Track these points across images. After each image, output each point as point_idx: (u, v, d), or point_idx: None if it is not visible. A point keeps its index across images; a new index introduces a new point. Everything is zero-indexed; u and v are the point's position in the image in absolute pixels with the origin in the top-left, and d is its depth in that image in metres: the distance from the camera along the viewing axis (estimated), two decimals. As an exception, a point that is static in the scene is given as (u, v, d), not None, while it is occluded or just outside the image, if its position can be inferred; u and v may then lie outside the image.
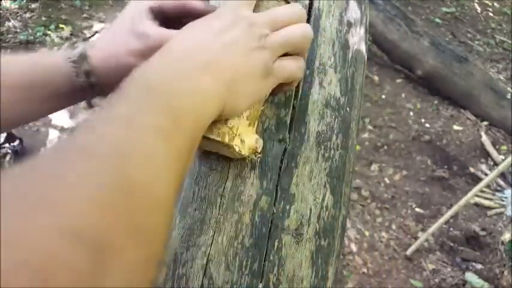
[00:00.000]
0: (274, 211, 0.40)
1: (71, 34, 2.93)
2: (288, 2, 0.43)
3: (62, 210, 0.19)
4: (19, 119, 0.46)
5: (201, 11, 0.44)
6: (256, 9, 0.40)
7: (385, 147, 2.65)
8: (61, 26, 2.96)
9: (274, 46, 0.37)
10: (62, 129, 2.33)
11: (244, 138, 0.39)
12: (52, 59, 0.43)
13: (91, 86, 0.43)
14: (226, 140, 0.37)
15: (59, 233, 0.18)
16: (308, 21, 0.50)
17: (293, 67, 0.39)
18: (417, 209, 2.31)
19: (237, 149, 0.38)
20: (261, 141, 0.41)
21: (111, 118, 0.26)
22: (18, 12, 2.98)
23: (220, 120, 0.37)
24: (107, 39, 0.44)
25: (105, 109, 0.28)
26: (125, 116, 0.26)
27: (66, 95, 0.44)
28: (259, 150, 0.41)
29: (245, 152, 0.39)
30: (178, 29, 0.42)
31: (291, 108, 0.44)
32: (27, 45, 2.75)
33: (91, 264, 0.18)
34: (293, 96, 0.45)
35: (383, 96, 3.04)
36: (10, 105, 0.42)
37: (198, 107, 0.32)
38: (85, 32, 2.97)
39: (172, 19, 0.45)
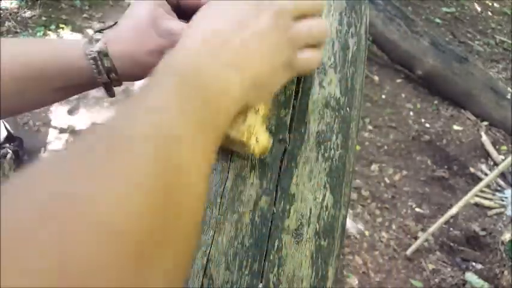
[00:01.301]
0: (274, 211, 0.40)
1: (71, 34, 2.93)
2: None
3: (101, 208, 0.17)
4: (30, 106, 0.45)
5: None
6: None
7: (385, 147, 2.65)
8: (61, 26, 2.96)
9: (299, 40, 0.36)
10: (61, 130, 2.33)
11: (259, 138, 0.39)
12: (71, 52, 0.42)
13: (110, 81, 0.43)
14: (245, 138, 0.37)
15: (98, 234, 0.16)
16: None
17: (314, 61, 0.39)
18: (417, 209, 2.31)
19: (252, 148, 0.38)
20: (271, 140, 0.41)
21: (151, 107, 0.25)
22: (18, 12, 2.98)
23: (238, 117, 0.37)
24: (126, 36, 0.42)
25: (139, 99, 0.27)
26: (164, 105, 0.26)
27: (82, 86, 0.44)
28: (268, 150, 0.41)
29: (258, 150, 0.39)
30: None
31: (291, 108, 0.44)
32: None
33: (132, 265, 0.17)
34: (293, 96, 0.45)
35: (383, 96, 3.04)
36: (21, 93, 0.42)
37: (226, 104, 0.31)
38: (86, 31, 2.97)
39: (184, 11, 0.44)
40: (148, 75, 0.44)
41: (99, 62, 0.41)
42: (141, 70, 0.42)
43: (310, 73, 0.42)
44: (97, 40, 0.42)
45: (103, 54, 0.41)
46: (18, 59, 0.41)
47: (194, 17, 0.35)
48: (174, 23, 0.41)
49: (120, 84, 0.44)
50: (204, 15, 0.35)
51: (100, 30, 0.43)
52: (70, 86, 0.43)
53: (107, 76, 0.42)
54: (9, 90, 0.40)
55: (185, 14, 0.43)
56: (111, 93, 0.45)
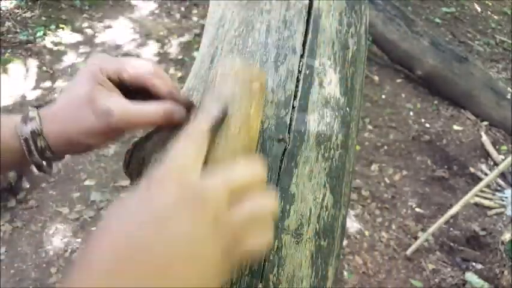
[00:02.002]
0: (274, 211, 0.40)
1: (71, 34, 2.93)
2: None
3: None
4: None
5: (163, 95, 0.40)
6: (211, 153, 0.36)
7: (385, 147, 2.65)
8: (61, 26, 2.96)
9: (237, 230, 0.30)
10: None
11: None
12: (4, 132, 0.40)
13: (47, 159, 0.41)
14: None
15: None
16: (308, 21, 0.50)
17: (262, 245, 0.32)
18: (417, 209, 2.31)
19: None
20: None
21: None
22: (18, 12, 2.98)
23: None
24: (62, 114, 0.40)
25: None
26: None
27: (17, 164, 0.42)
28: None
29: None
30: (141, 98, 0.39)
31: (291, 108, 0.44)
32: (27, 45, 2.76)
33: None
34: (293, 96, 0.45)
35: (383, 96, 3.04)
36: None
37: None
38: (86, 31, 2.97)
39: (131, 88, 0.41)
40: (82, 152, 0.41)
41: (31, 143, 0.39)
42: (75, 149, 0.41)
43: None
44: (31, 118, 0.40)
45: (36, 134, 0.39)
46: None
47: (104, 222, 0.29)
48: (112, 103, 0.39)
49: (58, 159, 0.43)
50: (121, 206, 0.29)
51: (37, 107, 0.41)
52: (4, 164, 0.41)
53: (41, 156, 0.40)
54: None
55: (129, 89, 0.41)
56: (45, 172, 0.43)
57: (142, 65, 0.41)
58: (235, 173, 0.32)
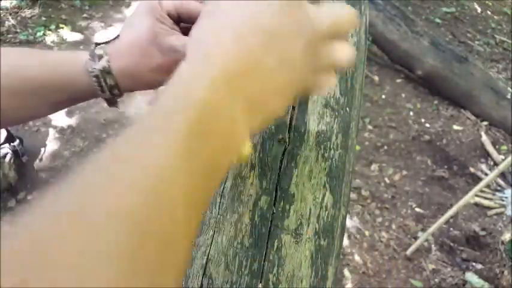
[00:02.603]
0: (274, 211, 0.40)
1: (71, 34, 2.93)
2: None
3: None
4: (26, 119, 0.45)
5: None
6: None
7: (385, 147, 2.65)
8: (61, 26, 2.96)
9: (320, 65, 0.32)
10: (61, 130, 2.33)
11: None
12: (72, 68, 0.41)
13: (113, 95, 0.42)
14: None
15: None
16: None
17: (328, 85, 0.33)
18: (417, 209, 2.31)
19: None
20: (251, 148, 0.38)
21: (149, 128, 0.24)
22: (18, 12, 2.98)
23: None
24: (128, 53, 0.41)
25: (141, 143, 0.24)
26: (169, 161, 0.23)
27: (82, 99, 0.44)
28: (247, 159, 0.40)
29: (238, 159, 0.37)
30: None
31: (291, 108, 0.44)
32: (27, 45, 2.75)
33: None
34: (293, 96, 0.45)
35: (383, 96, 3.04)
36: (18, 107, 0.41)
37: (233, 149, 0.27)
38: (86, 31, 2.97)
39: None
40: (151, 89, 0.42)
41: (102, 80, 0.40)
42: (143, 86, 0.42)
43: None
44: (99, 56, 0.41)
45: (106, 72, 0.40)
46: (18, 73, 0.40)
47: (208, 18, 0.30)
48: (176, 39, 0.39)
49: (121, 96, 0.44)
50: (225, 20, 0.29)
51: (101, 43, 0.42)
52: (70, 99, 0.43)
53: (110, 92, 0.42)
54: (6, 104, 0.40)
55: (187, 27, 0.42)
56: (114, 106, 0.45)
57: (197, 4, 0.41)
58: (341, 17, 0.32)
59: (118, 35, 0.42)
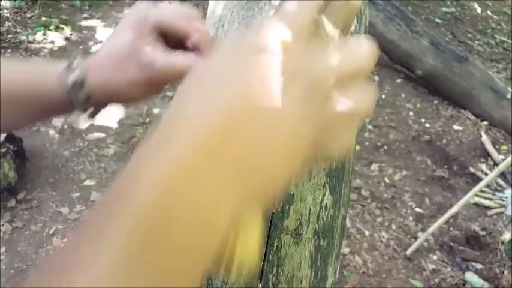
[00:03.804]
0: (274, 211, 0.40)
1: (71, 34, 2.93)
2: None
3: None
4: (3, 130, 0.44)
5: (204, 45, 0.39)
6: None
7: (385, 147, 2.65)
8: (61, 26, 2.96)
9: (335, 120, 0.25)
10: (61, 130, 2.33)
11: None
12: (49, 79, 0.40)
13: (86, 109, 0.41)
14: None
15: None
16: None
17: (346, 146, 0.27)
18: (417, 209, 2.31)
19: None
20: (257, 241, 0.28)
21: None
22: (18, 12, 2.98)
23: None
24: (106, 64, 0.40)
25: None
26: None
27: (60, 111, 0.43)
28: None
29: (241, 267, 0.28)
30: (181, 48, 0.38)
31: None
32: (27, 45, 2.76)
33: None
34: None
35: (383, 96, 3.04)
36: None
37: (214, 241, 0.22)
38: (86, 31, 2.97)
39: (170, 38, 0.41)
40: (126, 104, 0.41)
41: (74, 92, 0.39)
42: (117, 100, 0.41)
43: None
44: (76, 68, 0.40)
45: (79, 84, 0.39)
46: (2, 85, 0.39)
47: (195, 75, 0.25)
48: (157, 54, 0.38)
49: (99, 109, 0.43)
50: (211, 77, 0.24)
51: (81, 56, 0.41)
52: (48, 111, 0.42)
53: (84, 105, 0.40)
54: None
55: (173, 41, 0.41)
56: (92, 117, 0.43)
57: (183, 16, 0.40)
58: (356, 52, 0.26)
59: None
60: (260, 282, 0.38)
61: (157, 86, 0.40)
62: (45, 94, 0.40)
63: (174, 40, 0.40)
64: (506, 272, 2.01)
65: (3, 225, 1.87)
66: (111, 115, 2.45)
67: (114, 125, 2.41)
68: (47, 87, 0.40)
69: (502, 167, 1.70)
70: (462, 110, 3.04)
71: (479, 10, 4.25)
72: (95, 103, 0.41)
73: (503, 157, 2.62)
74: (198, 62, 0.33)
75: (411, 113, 2.95)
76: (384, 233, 2.15)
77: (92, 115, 0.43)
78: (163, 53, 0.38)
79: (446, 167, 2.59)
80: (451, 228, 2.23)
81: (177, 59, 0.38)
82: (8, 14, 2.92)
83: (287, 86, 0.23)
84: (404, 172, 2.51)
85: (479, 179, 2.35)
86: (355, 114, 0.26)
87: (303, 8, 0.26)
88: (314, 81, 0.24)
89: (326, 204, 0.42)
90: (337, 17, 0.28)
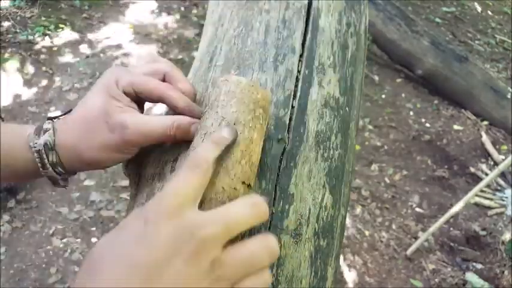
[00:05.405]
0: (273, 211, 0.40)
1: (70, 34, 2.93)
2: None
3: None
4: None
5: (179, 109, 0.39)
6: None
7: (385, 147, 2.65)
8: (61, 26, 2.96)
9: (233, 276, 0.29)
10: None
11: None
12: (17, 143, 0.39)
13: (57, 173, 0.40)
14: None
15: None
16: (307, 20, 0.50)
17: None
18: (417, 209, 2.31)
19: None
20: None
21: None
22: (18, 12, 2.97)
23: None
24: (75, 128, 0.39)
25: None
26: None
27: (26, 176, 0.42)
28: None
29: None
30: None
31: (290, 108, 0.44)
32: (27, 45, 2.76)
33: None
34: (292, 96, 0.45)
35: (383, 96, 3.04)
36: None
37: None
38: (86, 31, 2.97)
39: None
40: (94, 169, 0.40)
41: (44, 156, 0.39)
42: (87, 164, 0.40)
43: None
44: (45, 130, 0.39)
45: (48, 147, 0.38)
46: None
47: (80, 272, 0.28)
48: (126, 116, 0.38)
49: (68, 176, 0.42)
50: (96, 266, 0.28)
51: (52, 118, 0.41)
52: (17, 175, 0.41)
53: (53, 170, 0.40)
54: None
55: (153, 100, 0.41)
56: (60, 186, 0.43)
57: (154, 78, 0.40)
58: (234, 213, 0.30)
59: (71, 110, 0.41)
60: (260, 283, 0.37)
61: (128, 149, 0.40)
62: (11, 158, 0.39)
63: (152, 100, 0.40)
64: (506, 272, 2.01)
65: (3, 225, 1.87)
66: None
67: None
68: (13, 151, 0.39)
69: (502, 167, 1.70)
70: (462, 110, 3.04)
71: (479, 10, 4.25)
72: (66, 168, 0.40)
73: (503, 157, 2.62)
74: (169, 125, 0.36)
75: (411, 113, 2.95)
76: (384, 233, 2.15)
77: (63, 182, 0.42)
78: (134, 116, 0.38)
79: (446, 167, 2.59)
80: (451, 228, 2.23)
81: (148, 120, 0.38)
82: (8, 14, 2.92)
83: (181, 263, 0.27)
84: (405, 172, 2.51)
85: (480, 179, 2.35)
86: (256, 258, 0.30)
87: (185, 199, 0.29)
88: (197, 248, 0.28)
89: (326, 204, 0.42)
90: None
